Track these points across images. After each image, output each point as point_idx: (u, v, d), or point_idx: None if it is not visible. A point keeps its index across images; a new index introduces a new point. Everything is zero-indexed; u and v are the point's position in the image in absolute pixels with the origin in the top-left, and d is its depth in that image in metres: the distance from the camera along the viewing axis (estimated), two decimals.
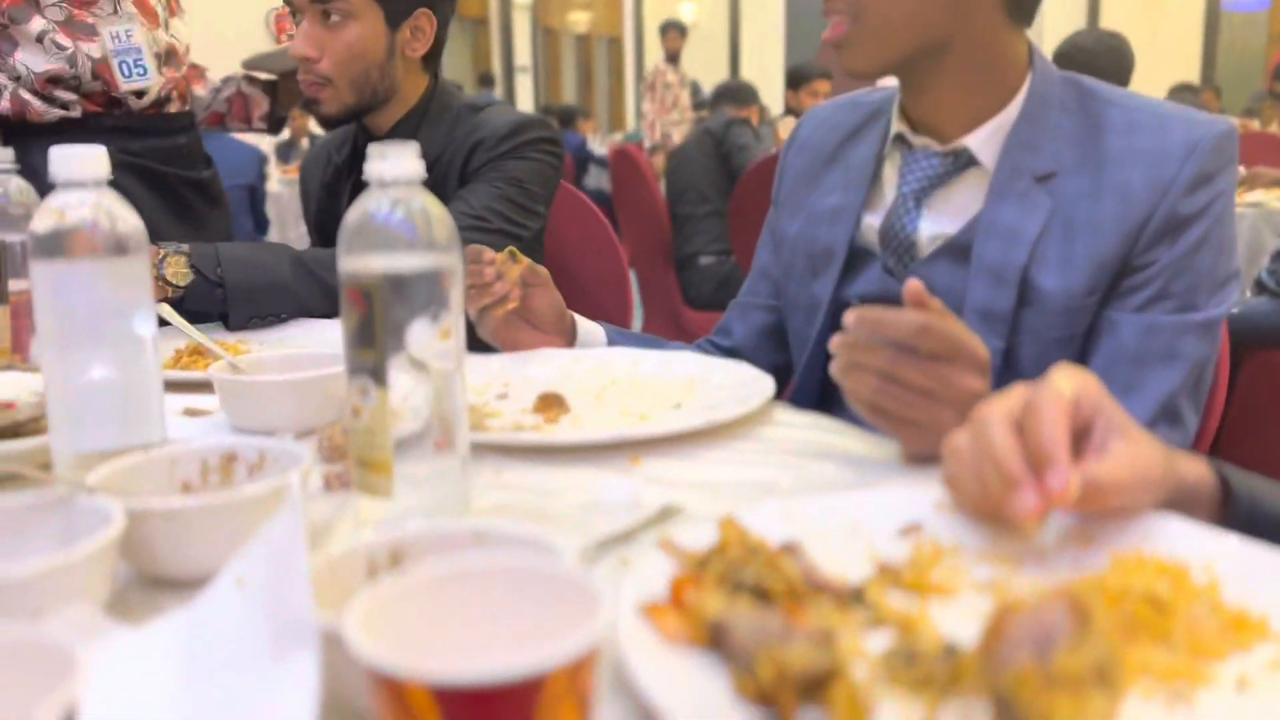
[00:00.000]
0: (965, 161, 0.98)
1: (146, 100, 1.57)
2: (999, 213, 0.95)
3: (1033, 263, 0.93)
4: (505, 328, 1.06)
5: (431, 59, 1.48)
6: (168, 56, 1.63)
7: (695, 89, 8.53)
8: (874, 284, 1.03)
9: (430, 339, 0.58)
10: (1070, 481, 0.52)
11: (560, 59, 11.43)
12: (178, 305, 1.16)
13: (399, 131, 1.44)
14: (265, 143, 5.25)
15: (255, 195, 4.19)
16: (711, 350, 1.18)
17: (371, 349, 0.58)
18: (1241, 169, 3.83)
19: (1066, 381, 0.57)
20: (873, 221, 1.05)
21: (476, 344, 1.07)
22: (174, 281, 1.22)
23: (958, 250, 0.98)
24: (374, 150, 0.59)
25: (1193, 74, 9.19)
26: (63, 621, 0.45)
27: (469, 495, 0.62)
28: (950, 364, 0.70)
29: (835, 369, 0.72)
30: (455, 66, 9.62)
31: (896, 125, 1.03)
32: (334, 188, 1.55)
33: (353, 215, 0.59)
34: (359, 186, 1.46)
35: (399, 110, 1.45)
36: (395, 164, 0.58)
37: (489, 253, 1.04)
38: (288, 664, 0.39)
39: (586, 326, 1.12)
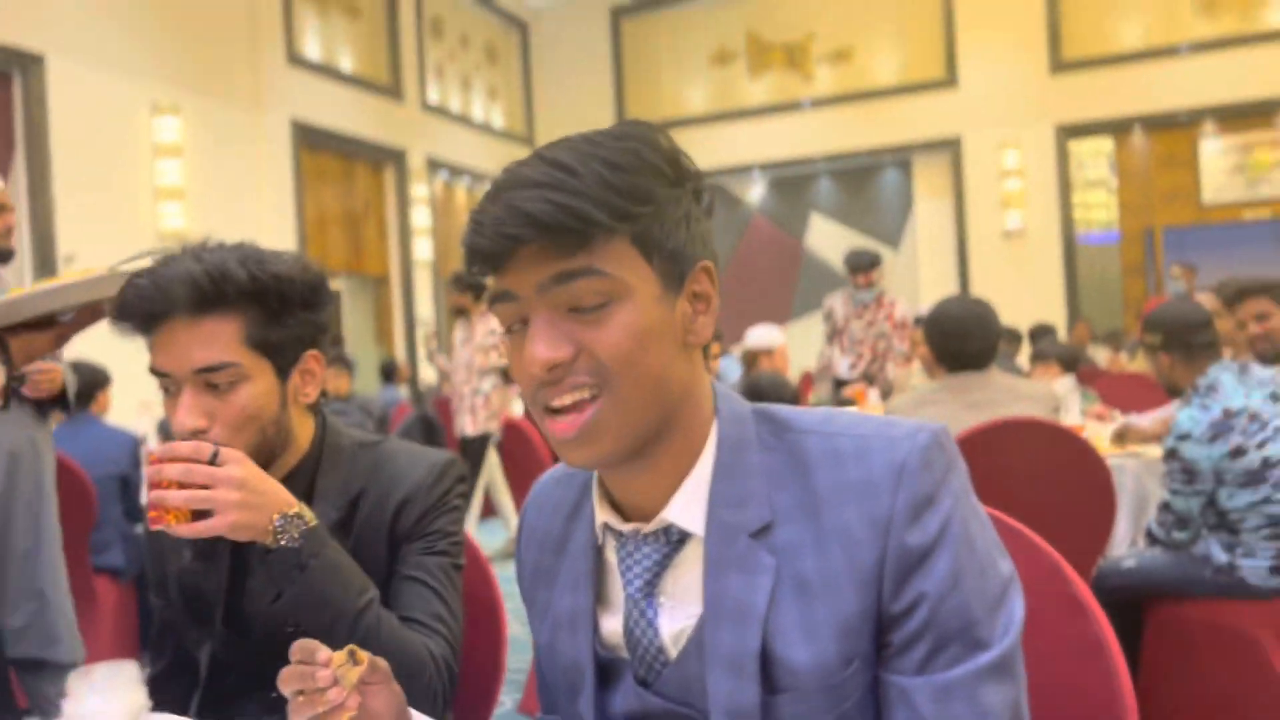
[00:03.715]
0: (678, 537, 0.86)
1: None
2: (722, 588, 0.83)
3: (772, 640, 0.81)
4: None
5: (317, 398, 1.35)
6: None
7: None
8: (631, 699, 0.89)
9: None
10: None
11: None
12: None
13: (295, 480, 1.30)
14: (144, 422, 5.07)
15: (128, 484, 3.98)
16: None
17: None
18: (1118, 416, 3.95)
19: None
20: (613, 625, 0.90)
21: None
22: (279, 541, 1.15)
23: (704, 643, 0.84)
24: (75, 682, 0.47)
25: (1060, 306, 9.78)
26: None
27: None
28: None
29: None
30: (358, 324, 9.68)
31: (600, 512, 0.90)
32: (205, 544, 1.33)
33: None
34: (240, 542, 1.28)
35: (291, 458, 1.32)
36: (105, 700, 0.47)
37: (324, 651, 0.89)
38: None
39: None
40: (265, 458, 1.27)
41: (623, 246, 0.80)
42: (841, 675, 0.80)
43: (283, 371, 1.27)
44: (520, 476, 3.91)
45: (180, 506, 1.12)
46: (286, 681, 0.89)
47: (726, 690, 0.81)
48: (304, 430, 1.34)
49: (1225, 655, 2.53)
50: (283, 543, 1.15)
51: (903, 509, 0.79)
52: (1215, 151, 9.67)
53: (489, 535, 6.41)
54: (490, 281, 0.84)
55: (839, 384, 5.68)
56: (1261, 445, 2.43)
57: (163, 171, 6.83)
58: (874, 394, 5.17)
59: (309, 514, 1.18)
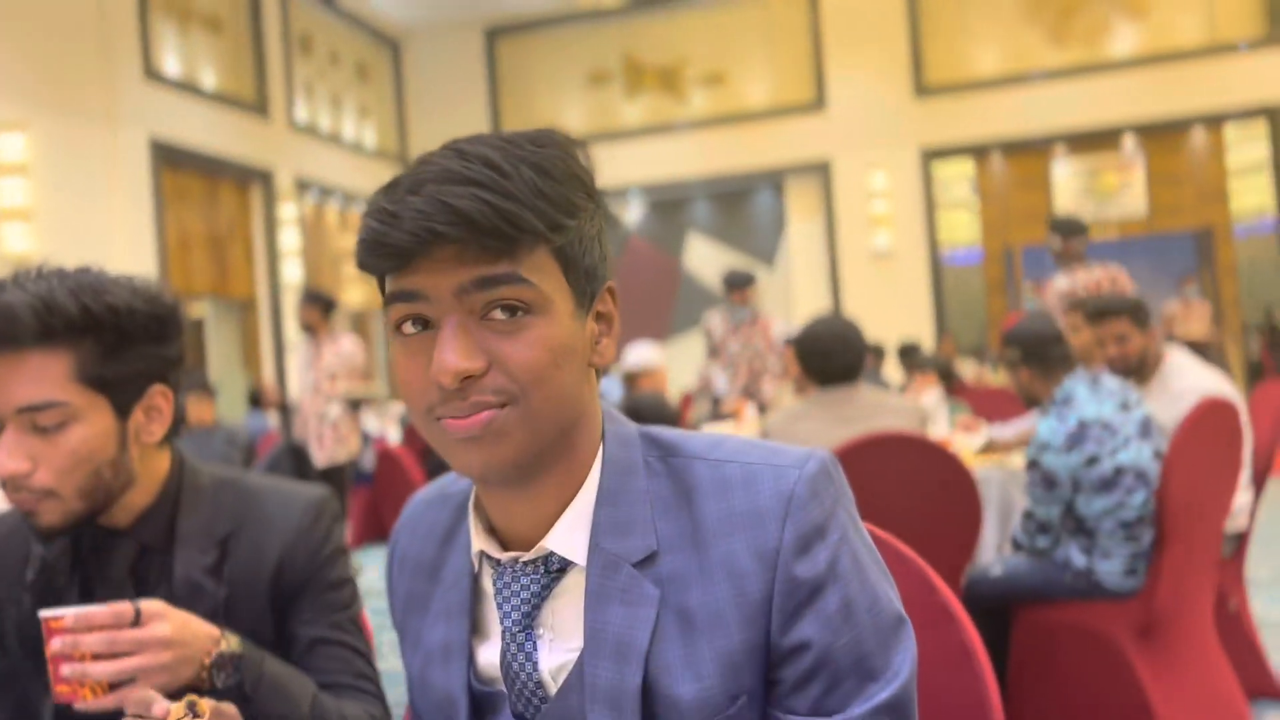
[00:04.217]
0: (558, 566, 0.82)
1: None
2: (603, 621, 0.79)
3: (654, 675, 0.77)
4: None
5: (170, 432, 1.24)
6: None
7: None
8: None
9: None
10: None
11: None
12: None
13: (151, 522, 1.20)
14: None
15: None
16: None
17: None
18: (984, 428, 4.09)
19: None
20: (490, 656, 0.86)
21: None
22: (216, 684, 1.03)
23: (584, 679, 0.81)
24: None
25: (927, 322, 10.12)
26: None
27: None
28: None
29: None
30: (224, 349, 9.33)
31: (477, 539, 0.85)
32: (49, 590, 1.22)
33: None
34: (89, 585, 1.19)
35: (141, 498, 1.21)
36: None
37: (160, 704, 0.83)
38: None
39: None
40: (101, 501, 1.17)
41: (544, 258, 0.77)
42: (727, 712, 0.76)
43: (122, 410, 1.16)
44: (396, 506, 3.81)
45: (104, 679, 0.99)
46: None
47: None
48: (153, 469, 1.23)
49: (1086, 655, 2.63)
50: (219, 684, 1.05)
51: (791, 540, 0.77)
52: (1066, 174, 10.20)
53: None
54: (388, 280, 0.77)
55: (716, 401, 5.75)
56: (1114, 453, 2.54)
57: (6, 191, 6.45)
58: (751, 409, 5.25)
59: (233, 639, 1.08)
